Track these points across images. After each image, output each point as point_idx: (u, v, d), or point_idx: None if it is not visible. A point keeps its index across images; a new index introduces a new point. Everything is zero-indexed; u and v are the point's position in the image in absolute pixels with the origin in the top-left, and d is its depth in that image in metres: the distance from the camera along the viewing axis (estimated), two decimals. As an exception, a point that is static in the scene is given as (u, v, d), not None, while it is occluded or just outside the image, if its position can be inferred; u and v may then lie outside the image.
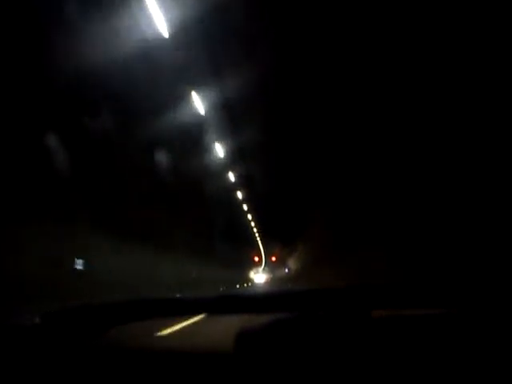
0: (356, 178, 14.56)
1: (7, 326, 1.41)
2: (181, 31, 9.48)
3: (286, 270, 43.09)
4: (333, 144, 14.43)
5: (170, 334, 3.62)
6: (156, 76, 10.47)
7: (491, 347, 1.08)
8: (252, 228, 47.75)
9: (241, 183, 28.60)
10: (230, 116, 15.35)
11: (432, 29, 7.84)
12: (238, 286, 25.94)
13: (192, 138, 15.69)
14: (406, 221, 11.74)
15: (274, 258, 50.94)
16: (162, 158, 13.66)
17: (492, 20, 6.83)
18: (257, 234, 53.04)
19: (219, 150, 19.76)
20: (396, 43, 8.80)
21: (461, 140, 8.70)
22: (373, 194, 13.75)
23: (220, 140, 18.62)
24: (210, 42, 10.44)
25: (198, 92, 13.48)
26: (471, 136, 8.37)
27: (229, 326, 1.36)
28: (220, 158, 20.58)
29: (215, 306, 1.60)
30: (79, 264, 11.08)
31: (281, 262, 47.03)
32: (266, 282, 43.79)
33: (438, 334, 1.18)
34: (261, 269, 54.76)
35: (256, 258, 49.92)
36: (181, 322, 4.50)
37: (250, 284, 36.27)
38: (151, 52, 9.66)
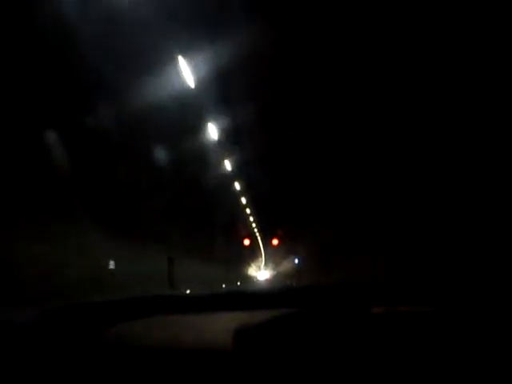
0: (358, 174, 14.59)
1: (7, 323, 1.42)
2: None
3: (296, 261, 30.80)
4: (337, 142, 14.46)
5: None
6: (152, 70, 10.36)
7: (487, 343, 1.10)
8: (248, 215, 36.80)
9: (238, 173, 23.92)
10: (231, 110, 15.23)
11: (432, 29, 7.85)
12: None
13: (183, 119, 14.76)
14: (407, 221, 11.82)
15: (275, 242, 33.28)
16: (157, 150, 13.36)
17: (492, 20, 6.85)
18: (256, 228, 40.61)
19: (215, 137, 18.02)
20: (396, 43, 8.80)
21: (458, 144, 8.78)
22: (373, 190, 13.80)
23: (217, 126, 17.05)
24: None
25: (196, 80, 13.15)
26: (470, 139, 8.44)
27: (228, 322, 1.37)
28: (217, 146, 18.61)
29: (215, 303, 1.62)
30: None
31: (286, 248, 32.52)
32: (267, 281, 34.64)
33: (435, 330, 1.20)
34: (261, 264, 41.94)
35: (247, 242, 33.77)
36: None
37: (239, 283, 27.92)
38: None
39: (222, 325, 1.40)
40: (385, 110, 10.86)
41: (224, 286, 21.33)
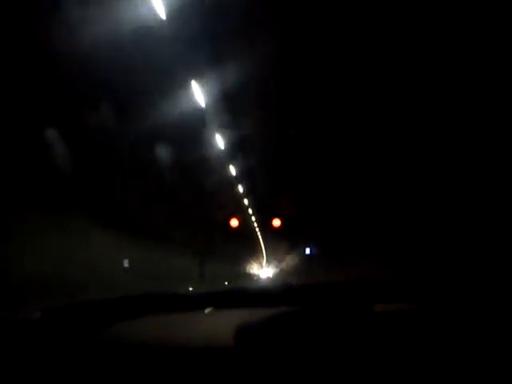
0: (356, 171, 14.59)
1: (9, 321, 1.43)
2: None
3: (308, 251, 22.81)
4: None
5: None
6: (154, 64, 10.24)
7: (487, 340, 1.11)
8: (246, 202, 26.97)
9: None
10: (231, 107, 15.10)
11: (432, 29, 7.87)
12: None
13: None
14: (409, 219, 11.85)
15: (277, 223, 22.90)
16: (155, 146, 13.02)
17: (492, 20, 6.88)
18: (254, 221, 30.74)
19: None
20: (396, 43, 8.82)
21: (458, 143, 8.82)
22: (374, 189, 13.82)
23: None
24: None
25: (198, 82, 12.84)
26: (470, 138, 8.48)
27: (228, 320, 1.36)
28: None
29: (218, 300, 1.63)
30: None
31: (293, 233, 23.45)
32: (268, 279, 28.08)
33: (436, 328, 1.21)
34: (263, 259, 33.17)
35: (234, 222, 22.89)
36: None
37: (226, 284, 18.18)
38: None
39: (223, 322, 1.41)
40: (385, 109, 10.89)
41: (191, 289, 13.44)
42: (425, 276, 1.54)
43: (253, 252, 31.37)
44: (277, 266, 29.26)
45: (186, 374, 1.17)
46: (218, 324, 1.45)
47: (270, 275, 29.32)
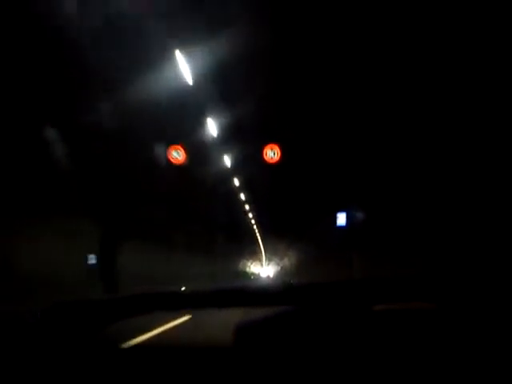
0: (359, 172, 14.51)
1: (8, 321, 1.43)
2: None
3: (342, 220, 15.85)
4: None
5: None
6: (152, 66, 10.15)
7: (487, 340, 1.11)
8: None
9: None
10: (230, 108, 14.95)
11: (432, 29, 7.88)
12: None
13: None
14: (409, 218, 11.82)
15: (273, 155, 12.78)
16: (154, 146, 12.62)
17: (492, 20, 6.90)
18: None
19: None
20: (396, 43, 8.82)
21: (459, 144, 8.84)
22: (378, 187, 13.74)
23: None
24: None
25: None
26: (471, 138, 8.49)
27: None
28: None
29: (216, 299, 1.63)
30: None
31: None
32: (268, 278, 24.70)
33: (436, 328, 1.21)
34: (262, 256, 30.23)
35: (177, 156, 11.99)
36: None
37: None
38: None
39: (222, 321, 1.41)
40: (387, 109, 10.87)
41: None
42: (424, 275, 1.54)
43: (256, 252, 23.72)
44: (278, 264, 23.17)
45: (185, 374, 1.18)
46: (218, 323, 1.45)
47: (271, 275, 24.75)
